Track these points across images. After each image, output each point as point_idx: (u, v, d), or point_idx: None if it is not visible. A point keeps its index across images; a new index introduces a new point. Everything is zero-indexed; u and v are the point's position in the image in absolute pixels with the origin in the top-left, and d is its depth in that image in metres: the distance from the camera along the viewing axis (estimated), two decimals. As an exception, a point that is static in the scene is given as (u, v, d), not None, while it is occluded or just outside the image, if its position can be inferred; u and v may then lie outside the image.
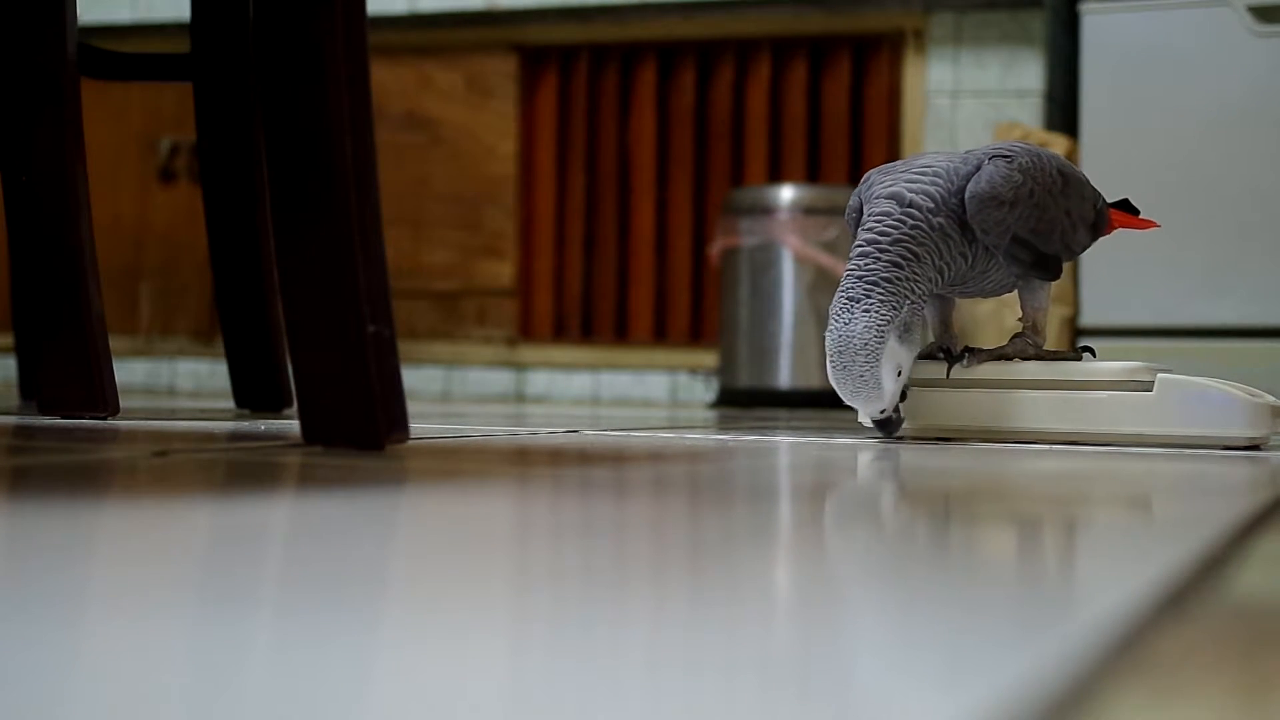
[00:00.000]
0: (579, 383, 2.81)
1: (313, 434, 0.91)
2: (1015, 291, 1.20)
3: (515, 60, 2.85)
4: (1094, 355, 1.17)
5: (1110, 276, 2.26)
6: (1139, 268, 2.25)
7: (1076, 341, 2.28)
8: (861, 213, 1.13)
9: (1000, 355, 1.16)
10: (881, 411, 1.09)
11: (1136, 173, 2.25)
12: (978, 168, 1.10)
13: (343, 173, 0.89)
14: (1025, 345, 1.17)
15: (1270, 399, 1.14)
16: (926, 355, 1.18)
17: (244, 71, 1.50)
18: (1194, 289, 2.23)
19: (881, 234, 1.09)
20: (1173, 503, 0.75)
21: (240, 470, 0.77)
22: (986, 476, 0.83)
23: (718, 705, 0.26)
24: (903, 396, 1.12)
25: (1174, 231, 2.23)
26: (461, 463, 0.86)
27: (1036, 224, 1.13)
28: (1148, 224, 1.29)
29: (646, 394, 2.78)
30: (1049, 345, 1.21)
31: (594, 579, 0.42)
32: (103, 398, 1.15)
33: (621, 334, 2.83)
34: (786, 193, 2.45)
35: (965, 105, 2.57)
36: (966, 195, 1.09)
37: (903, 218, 1.09)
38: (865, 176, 1.16)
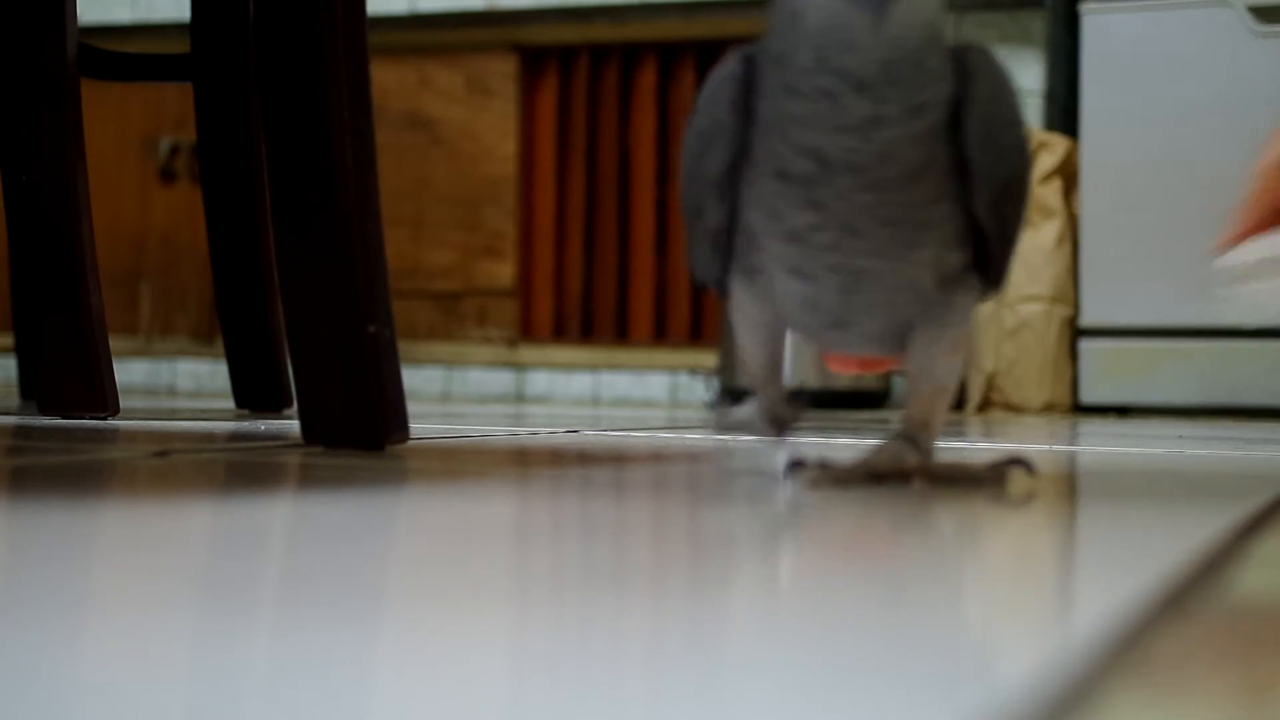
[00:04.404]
0: (579, 383, 2.81)
1: (313, 434, 0.91)
2: (909, 344, 0.69)
3: (515, 60, 2.85)
4: (1030, 470, 0.72)
5: (1110, 276, 2.26)
6: (1139, 268, 2.25)
7: (1077, 342, 2.28)
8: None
9: (869, 472, 0.70)
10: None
11: (1136, 173, 2.25)
12: (959, 57, 0.64)
13: (343, 173, 0.89)
14: (903, 454, 0.70)
15: None
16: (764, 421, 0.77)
17: (244, 71, 1.50)
18: (1194, 289, 2.22)
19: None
20: (1173, 502, 0.75)
21: (240, 470, 0.77)
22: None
23: (719, 706, 0.26)
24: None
25: (1174, 231, 2.23)
26: (461, 463, 0.86)
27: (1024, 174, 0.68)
28: None
29: (646, 394, 2.77)
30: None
31: (594, 580, 0.42)
32: (103, 398, 1.15)
33: (621, 334, 2.82)
34: (786, 193, 2.45)
35: (965, 105, 2.57)
36: (976, 96, 0.64)
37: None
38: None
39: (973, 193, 0.64)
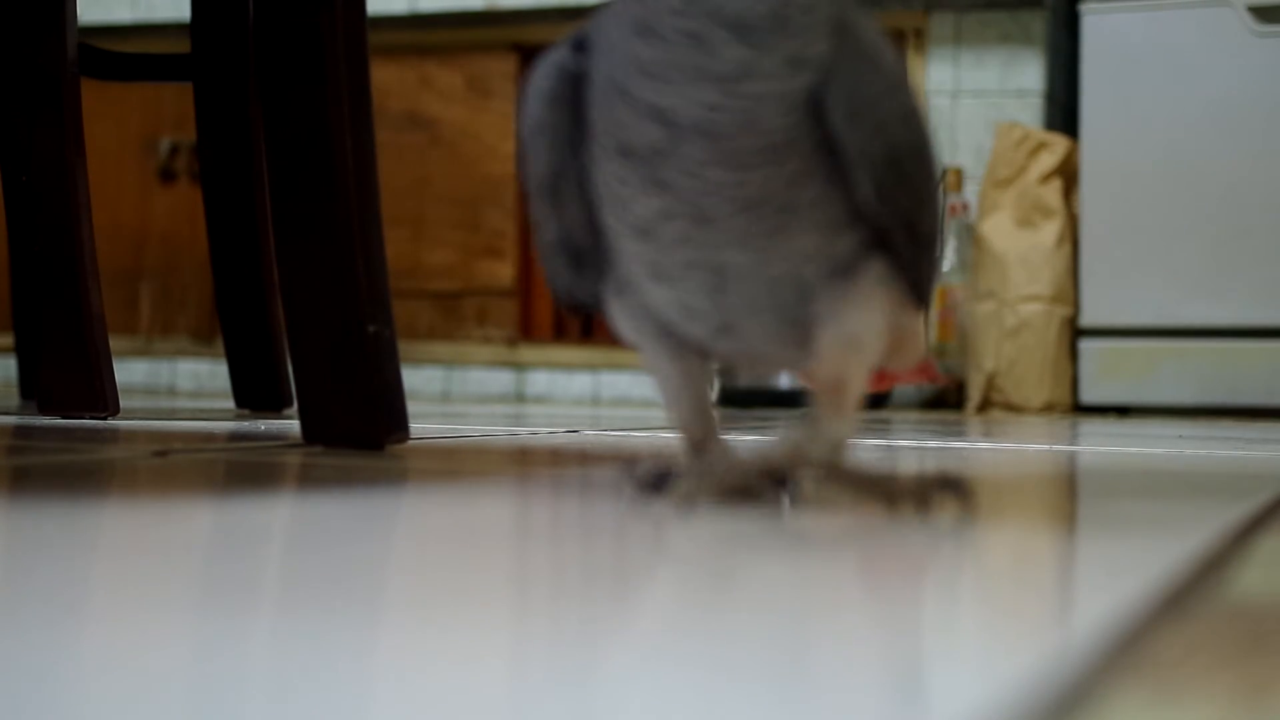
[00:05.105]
0: (579, 383, 2.81)
1: (313, 434, 0.91)
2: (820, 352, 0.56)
3: (515, 60, 2.85)
4: (963, 497, 0.57)
5: (1110, 276, 2.26)
6: (1139, 268, 2.25)
7: (1077, 342, 2.28)
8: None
9: (764, 469, 0.59)
10: None
11: (1136, 173, 2.25)
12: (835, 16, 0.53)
13: (343, 173, 0.89)
14: (805, 446, 0.57)
15: None
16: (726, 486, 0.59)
17: (244, 71, 1.50)
18: (1194, 289, 2.22)
19: None
20: (1173, 502, 0.75)
21: (240, 470, 0.77)
22: (984, 473, 0.83)
23: (720, 705, 0.26)
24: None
25: (1174, 231, 2.23)
26: (461, 463, 0.86)
27: (917, 155, 0.55)
28: None
29: (646, 394, 2.77)
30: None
31: (594, 580, 0.42)
32: (103, 398, 1.15)
33: (621, 334, 2.83)
34: (786, 193, 2.45)
35: (965, 105, 2.57)
36: (841, 59, 0.52)
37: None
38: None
39: (849, 178, 0.52)
